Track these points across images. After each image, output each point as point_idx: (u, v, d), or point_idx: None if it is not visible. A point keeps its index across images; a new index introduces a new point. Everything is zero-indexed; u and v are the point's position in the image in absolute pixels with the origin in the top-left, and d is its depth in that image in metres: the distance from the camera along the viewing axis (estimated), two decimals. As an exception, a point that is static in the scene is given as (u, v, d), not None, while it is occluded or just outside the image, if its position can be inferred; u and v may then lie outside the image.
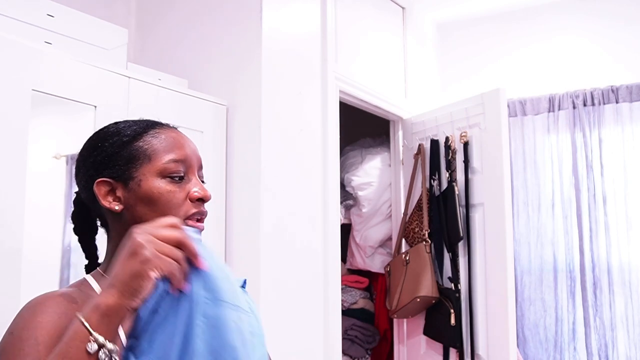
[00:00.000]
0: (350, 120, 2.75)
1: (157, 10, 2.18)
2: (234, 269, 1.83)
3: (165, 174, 0.77)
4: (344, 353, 2.61)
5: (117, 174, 0.77)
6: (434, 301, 2.39)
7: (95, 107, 1.45)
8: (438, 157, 2.51)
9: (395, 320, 2.75)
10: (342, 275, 2.78)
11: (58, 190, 1.45)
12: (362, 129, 3.12)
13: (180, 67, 2.01)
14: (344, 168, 2.87)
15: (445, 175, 2.45)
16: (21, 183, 1.25)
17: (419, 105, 2.86)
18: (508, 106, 2.85)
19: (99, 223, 0.86)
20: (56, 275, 1.44)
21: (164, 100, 1.67)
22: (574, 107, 2.86)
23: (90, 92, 1.44)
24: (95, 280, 0.81)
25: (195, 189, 0.79)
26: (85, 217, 0.86)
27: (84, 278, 0.83)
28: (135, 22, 2.21)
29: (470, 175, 2.36)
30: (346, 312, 2.79)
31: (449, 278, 2.39)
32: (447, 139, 2.44)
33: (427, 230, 2.46)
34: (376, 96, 2.50)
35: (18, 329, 0.69)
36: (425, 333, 2.49)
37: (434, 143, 2.53)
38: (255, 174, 1.80)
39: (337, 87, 2.19)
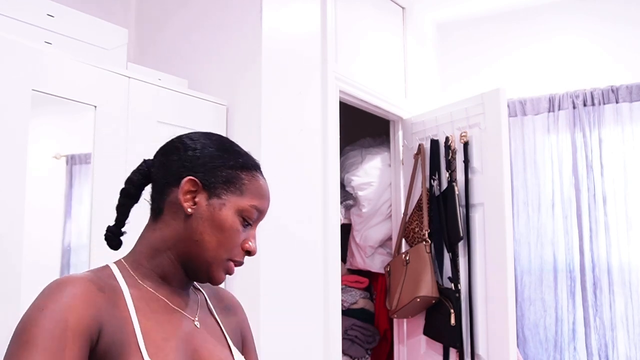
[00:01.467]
0: (350, 120, 2.75)
1: (157, 10, 2.18)
2: (234, 269, 1.83)
3: (244, 214, 0.81)
4: (344, 353, 2.61)
5: (208, 184, 0.80)
6: (434, 301, 2.38)
7: (95, 107, 1.45)
8: (438, 157, 2.51)
9: (395, 320, 2.75)
10: (342, 275, 2.78)
11: (58, 191, 1.45)
12: (362, 129, 3.12)
13: (180, 67, 2.01)
14: (344, 168, 2.87)
15: (445, 175, 2.45)
16: (21, 183, 1.25)
17: (419, 105, 2.86)
18: (508, 106, 2.84)
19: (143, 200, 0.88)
20: (56, 275, 1.44)
21: (164, 100, 1.67)
22: (574, 107, 2.86)
23: (90, 92, 1.44)
24: (120, 272, 0.81)
25: (251, 242, 0.84)
26: (139, 186, 0.87)
27: (108, 266, 0.83)
28: (135, 22, 2.21)
29: (470, 175, 2.36)
30: (346, 312, 2.79)
31: (449, 278, 2.39)
32: (447, 139, 2.44)
33: (427, 230, 2.46)
34: (376, 96, 2.50)
35: (51, 307, 0.68)
36: (425, 333, 2.49)
37: (434, 143, 2.53)
38: (255, 174, 1.79)
39: (337, 87, 2.18)
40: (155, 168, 0.86)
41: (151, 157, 0.89)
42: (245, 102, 1.86)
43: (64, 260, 1.45)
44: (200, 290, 0.93)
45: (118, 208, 0.89)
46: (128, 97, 1.54)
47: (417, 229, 2.53)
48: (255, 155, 1.83)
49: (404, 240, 2.67)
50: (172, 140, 0.88)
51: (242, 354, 0.91)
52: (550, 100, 2.92)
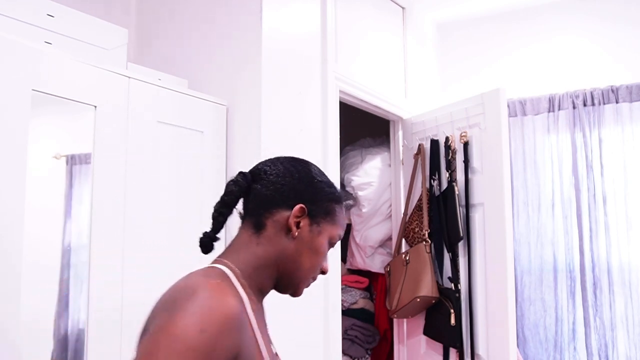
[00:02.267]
0: (350, 120, 2.75)
1: (157, 10, 2.18)
2: (234, 269, 1.83)
3: (331, 240, 0.94)
4: (344, 353, 2.61)
5: (313, 212, 0.91)
6: (434, 301, 2.38)
7: (95, 107, 1.45)
8: (438, 157, 2.51)
9: (395, 320, 2.75)
10: (342, 275, 2.78)
11: (58, 191, 1.45)
12: (362, 129, 3.12)
13: (180, 67, 2.01)
14: (344, 168, 2.87)
15: (445, 175, 2.45)
16: (21, 183, 1.25)
17: (419, 105, 2.86)
18: (508, 106, 2.85)
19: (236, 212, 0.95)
20: (56, 275, 1.44)
21: (164, 100, 1.67)
22: (574, 107, 2.86)
23: (90, 92, 1.44)
24: (239, 282, 0.86)
25: (327, 265, 0.96)
26: (237, 198, 0.93)
27: (225, 273, 0.86)
28: (135, 22, 2.21)
29: (470, 175, 2.36)
30: (346, 312, 2.79)
31: (449, 278, 2.39)
32: (447, 139, 2.44)
33: (427, 230, 2.46)
34: (376, 96, 2.50)
35: (209, 332, 0.69)
36: (425, 333, 2.49)
37: (434, 143, 2.53)
38: (255, 174, 1.79)
39: (337, 87, 2.18)
40: (261, 186, 0.92)
41: (246, 170, 0.95)
42: (245, 102, 1.86)
43: (64, 260, 1.45)
44: None
45: (216, 217, 0.95)
46: (128, 97, 1.54)
47: (417, 229, 2.53)
48: (255, 155, 1.84)
49: (404, 240, 2.67)
50: (284, 164, 0.94)
51: None
52: (550, 100, 2.92)
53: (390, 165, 2.86)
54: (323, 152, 2.10)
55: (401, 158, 2.80)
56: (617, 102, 2.76)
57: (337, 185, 1.00)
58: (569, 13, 3.00)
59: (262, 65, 1.82)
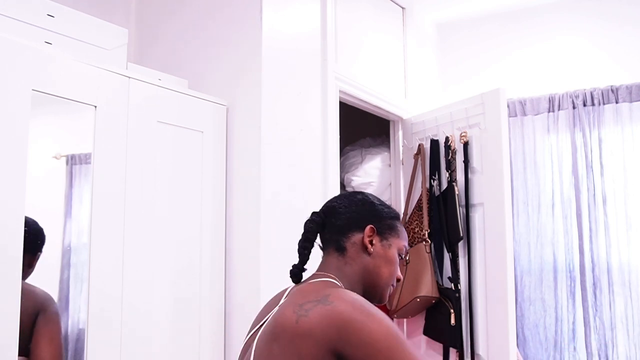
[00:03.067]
0: (350, 120, 2.75)
1: (157, 10, 2.18)
2: (234, 269, 1.83)
3: (400, 252, 1.11)
4: (344, 353, 2.61)
5: (381, 230, 1.08)
6: (434, 301, 2.38)
7: (95, 107, 1.45)
8: (438, 157, 2.51)
9: (395, 320, 2.75)
10: (342, 275, 2.78)
11: (58, 191, 1.45)
12: (362, 129, 3.12)
13: (180, 67, 2.01)
14: (344, 168, 2.87)
15: (445, 175, 2.45)
16: (21, 183, 1.25)
17: (419, 106, 2.86)
18: (508, 106, 2.85)
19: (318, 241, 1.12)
20: (56, 275, 1.44)
21: (164, 100, 1.67)
22: (574, 107, 2.86)
23: (90, 92, 1.44)
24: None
25: (399, 271, 1.12)
26: (316, 233, 1.11)
27: (339, 287, 1.01)
28: (135, 22, 2.21)
29: (470, 175, 2.36)
30: (346, 312, 2.78)
31: (449, 278, 2.39)
32: (447, 139, 2.44)
33: (427, 230, 2.46)
34: (376, 96, 2.50)
35: (399, 333, 0.91)
36: (425, 333, 2.49)
37: (434, 143, 2.53)
38: (255, 174, 1.80)
39: (337, 87, 2.18)
40: (335, 218, 1.09)
41: (318, 210, 1.13)
42: (245, 102, 1.86)
43: (64, 260, 1.45)
44: None
45: (302, 251, 1.11)
46: (128, 97, 1.54)
47: (417, 229, 2.53)
48: (255, 155, 1.85)
49: (404, 240, 2.67)
50: (347, 197, 1.12)
51: None
52: (550, 100, 2.92)
53: (390, 165, 2.86)
54: (323, 152, 2.10)
55: (401, 158, 2.80)
56: (617, 102, 2.76)
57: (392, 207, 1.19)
58: (568, 13, 3.00)
59: (262, 65, 1.82)
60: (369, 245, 1.06)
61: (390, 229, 1.10)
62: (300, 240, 1.11)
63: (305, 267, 1.11)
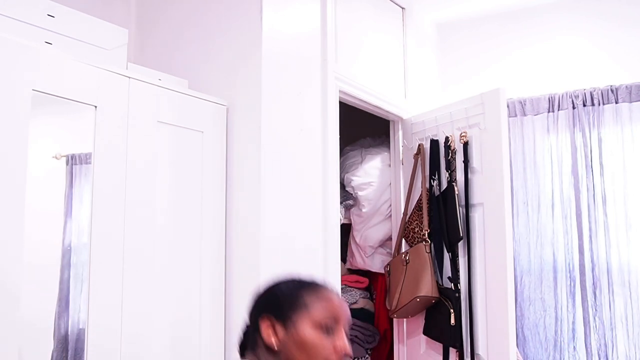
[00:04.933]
0: (350, 120, 2.75)
1: (157, 10, 2.18)
2: (234, 269, 1.83)
3: (318, 325, 0.93)
4: (344, 353, 2.61)
5: (280, 315, 0.93)
6: (433, 301, 2.39)
7: (95, 107, 1.45)
8: (438, 157, 2.51)
9: (395, 320, 2.75)
10: (342, 275, 2.78)
11: (58, 191, 1.45)
12: (362, 129, 3.12)
13: (180, 67, 2.01)
14: (344, 168, 2.87)
15: (445, 175, 2.45)
16: (21, 183, 1.25)
17: (419, 106, 2.86)
18: (508, 106, 2.85)
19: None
20: (56, 275, 1.44)
21: (164, 100, 1.67)
22: (574, 107, 2.86)
23: (90, 92, 1.44)
24: None
25: (341, 344, 0.96)
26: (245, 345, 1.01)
27: None
28: (135, 22, 2.21)
29: (470, 175, 2.36)
30: (346, 312, 2.78)
31: (448, 278, 2.39)
32: (447, 139, 2.44)
33: (427, 230, 2.46)
34: (376, 96, 2.50)
35: None
36: (425, 333, 2.49)
37: (434, 143, 2.53)
38: (255, 174, 1.80)
39: (337, 87, 2.19)
40: (249, 321, 1.00)
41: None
42: (245, 102, 1.86)
43: (64, 260, 1.45)
44: None
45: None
46: (128, 97, 1.54)
47: (417, 229, 2.53)
48: (255, 155, 1.85)
49: (403, 240, 2.67)
50: (256, 294, 1.03)
51: None
52: (549, 100, 2.92)
53: (390, 165, 2.86)
54: (323, 152, 2.10)
55: (401, 158, 2.80)
56: (616, 102, 2.76)
57: (312, 279, 1.03)
58: (568, 13, 3.00)
59: (262, 65, 1.82)
60: (271, 342, 0.92)
61: (292, 307, 0.93)
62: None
63: None
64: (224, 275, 1.83)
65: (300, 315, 0.92)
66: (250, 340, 0.99)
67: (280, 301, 0.95)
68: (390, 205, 2.83)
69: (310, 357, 0.90)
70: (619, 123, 2.76)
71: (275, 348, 0.91)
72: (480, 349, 2.27)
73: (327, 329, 0.93)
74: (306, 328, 0.91)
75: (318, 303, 0.94)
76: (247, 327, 1.01)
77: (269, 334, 0.92)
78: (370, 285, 3.00)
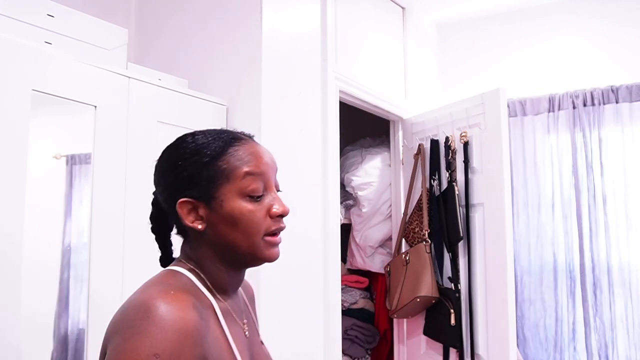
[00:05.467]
0: (350, 120, 2.75)
1: (157, 10, 2.18)
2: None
3: (245, 193, 0.79)
4: (344, 353, 2.61)
5: (198, 194, 0.79)
6: (434, 301, 2.38)
7: (95, 107, 1.45)
8: (438, 157, 2.51)
9: (395, 320, 2.75)
10: (342, 275, 2.78)
11: (58, 191, 1.45)
12: (362, 129, 3.12)
13: (180, 67, 2.01)
14: (344, 168, 2.87)
15: (445, 175, 2.45)
16: (21, 183, 1.25)
17: (419, 106, 2.86)
18: (508, 106, 2.85)
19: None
20: (56, 275, 1.44)
21: (164, 100, 1.67)
22: (574, 107, 2.86)
23: (90, 92, 1.44)
24: (203, 285, 0.81)
25: (275, 207, 0.82)
26: (161, 218, 0.87)
27: (186, 275, 0.81)
28: (135, 22, 2.21)
29: (470, 175, 2.36)
30: (346, 312, 2.79)
31: (449, 278, 2.39)
32: (447, 139, 2.44)
33: (427, 230, 2.46)
34: (376, 96, 2.50)
35: (166, 356, 0.66)
36: (425, 333, 2.49)
37: (434, 143, 2.53)
38: (255, 174, 1.79)
39: (337, 87, 2.18)
40: (161, 203, 0.85)
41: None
42: (245, 102, 1.86)
43: (64, 260, 1.45)
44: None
45: (157, 242, 0.90)
46: (128, 97, 1.54)
47: (417, 229, 2.53)
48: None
49: (404, 240, 2.67)
50: (155, 171, 0.85)
51: None
52: (550, 100, 2.92)
53: (390, 165, 2.86)
54: (323, 152, 2.10)
55: (401, 158, 2.80)
56: (617, 102, 2.76)
57: (223, 132, 0.85)
58: (569, 13, 3.00)
59: (262, 65, 1.82)
60: (193, 225, 0.79)
61: (210, 180, 0.79)
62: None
63: (172, 256, 0.90)
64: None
65: (222, 189, 0.78)
66: (163, 227, 0.88)
67: (196, 178, 0.78)
68: (390, 205, 2.83)
69: (242, 230, 0.78)
70: (620, 123, 2.76)
71: (201, 229, 0.79)
72: (481, 349, 2.26)
73: (256, 195, 0.80)
74: (231, 201, 0.78)
75: (237, 169, 0.79)
76: (157, 208, 0.87)
77: (191, 220, 0.79)
78: (370, 285, 3.00)
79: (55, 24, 1.51)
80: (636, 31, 2.82)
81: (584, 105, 2.84)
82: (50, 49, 1.40)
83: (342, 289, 2.83)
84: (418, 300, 2.35)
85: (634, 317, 2.65)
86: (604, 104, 2.79)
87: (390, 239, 2.85)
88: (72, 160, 1.47)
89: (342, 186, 2.83)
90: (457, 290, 2.34)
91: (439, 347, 2.45)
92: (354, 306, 2.88)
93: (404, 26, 2.86)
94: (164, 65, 2.03)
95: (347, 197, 2.88)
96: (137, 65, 1.78)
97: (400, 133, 2.81)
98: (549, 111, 2.93)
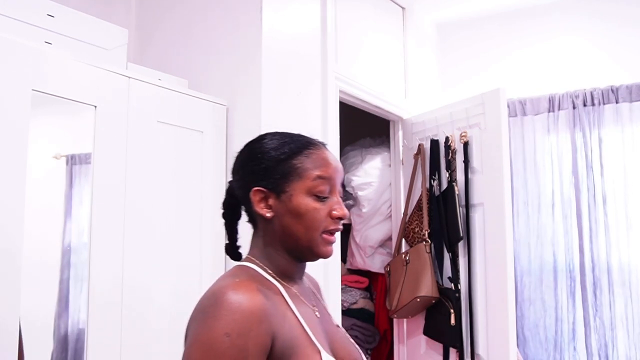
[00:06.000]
0: (350, 120, 2.75)
1: (157, 10, 2.18)
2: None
3: (312, 193, 0.89)
4: (344, 353, 2.61)
5: (271, 186, 0.89)
6: (434, 301, 2.38)
7: (95, 107, 1.45)
8: (438, 157, 2.51)
9: (395, 320, 2.75)
10: (342, 275, 2.78)
11: (58, 190, 1.45)
12: (362, 129, 3.12)
13: (180, 67, 2.01)
14: (344, 168, 2.86)
15: (445, 175, 2.45)
16: (21, 183, 1.25)
17: (419, 105, 2.86)
18: (508, 106, 2.84)
19: (243, 211, 0.96)
20: (56, 275, 1.44)
21: (164, 100, 1.67)
22: (574, 107, 2.86)
23: (90, 92, 1.44)
24: (267, 273, 0.89)
25: (336, 209, 0.91)
26: (233, 205, 0.97)
27: (251, 267, 0.90)
28: (135, 22, 2.21)
29: (470, 175, 2.36)
30: (346, 312, 2.79)
31: (449, 278, 2.39)
32: (447, 139, 2.44)
33: (427, 230, 2.46)
34: (376, 96, 2.50)
35: (235, 334, 0.74)
36: (425, 333, 2.49)
37: (434, 143, 2.53)
38: (255, 174, 1.79)
39: (337, 87, 2.19)
40: (236, 190, 0.95)
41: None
42: (245, 102, 1.86)
43: (64, 260, 1.45)
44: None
45: (226, 228, 0.99)
46: (128, 97, 1.54)
47: (417, 229, 2.53)
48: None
49: (404, 240, 2.67)
50: (235, 161, 0.96)
51: None
52: (550, 100, 2.92)
53: (390, 165, 2.86)
54: (323, 152, 2.10)
55: (401, 158, 2.80)
56: (617, 102, 2.76)
57: (300, 136, 0.95)
58: (569, 13, 3.00)
59: (262, 65, 1.82)
60: (262, 212, 0.89)
61: (284, 175, 0.88)
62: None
63: (238, 244, 1.00)
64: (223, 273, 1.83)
65: (293, 185, 0.88)
66: (235, 212, 0.97)
67: (270, 171, 0.89)
68: (390, 205, 2.83)
69: (305, 225, 0.88)
70: (620, 123, 2.76)
71: (269, 217, 0.89)
72: (481, 349, 2.26)
73: (322, 195, 0.89)
74: (299, 197, 0.88)
75: (310, 170, 0.89)
76: (231, 195, 0.97)
77: (262, 207, 0.89)
78: (370, 285, 3.00)
79: (55, 24, 1.51)
80: (636, 31, 2.82)
81: (584, 105, 2.84)
82: (50, 49, 1.40)
83: (342, 289, 2.83)
84: (418, 300, 2.35)
85: (634, 317, 2.65)
86: (604, 104, 2.79)
87: (390, 239, 2.85)
88: (72, 160, 1.47)
89: (342, 186, 2.83)
90: (457, 290, 2.34)
91: (439, 347, 2.45)
92: (354, 306, 2.88)
93: (404, 26, 2.86)
94: (164, 65, 2.03)
95: (347, 197, 2.88)
96: (137, 65, 1.78)
97: (400, 133, 2.81)
98: (549, 111, 2.93)
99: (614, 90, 2.77)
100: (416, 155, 2.65)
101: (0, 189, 1.21)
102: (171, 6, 2.13)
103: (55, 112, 1.44)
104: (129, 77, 1.55)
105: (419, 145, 2.63)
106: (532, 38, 3.08)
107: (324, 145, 0.95)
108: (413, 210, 2.61)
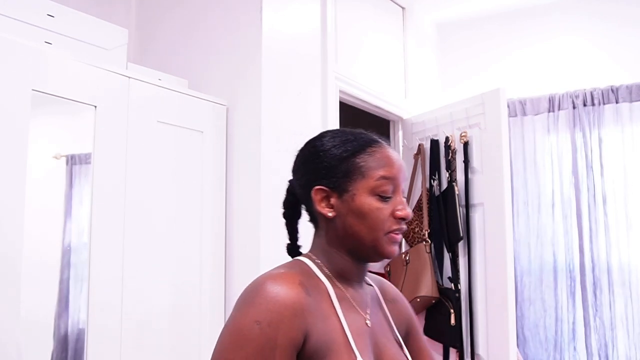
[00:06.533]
0: (350, 120, 2.75)
1: (157, 10, 2.18)
2: (234, 268, 1.83)
3: (375, 192, 0.86)
4: (344, 353, 2.61)
5: (333, 185, 0.86)
6: (434, 301, 2.38)
7: (95, 107, 1.45)
8: (438, 157, 2.51)
9: (395, 320, 2.75)
10: (342, 275, 2.78)
11: (58, 190, 1.45)
12: (362, 129, 3.12)
13: (180, 67, 2.01)
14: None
15: (445, 175, 2.45)
16: (21, 183, 1.25)
17: (419, 106, 2.86)
18: (508, 106, 2.84)
19: (303, 210, 0.95)
20: (56, 275, 1.44)
21: (164, 100, 1.67)
22: (574, 107, 2.86)
23: (90, 92, 1.44)
24: (320, 271, 0.88)
25: (400, 209, 0.87)
26: (294, 204, 0.95)
27: (305, 263, 0.88)
28: (135, 22, 2.21)
29: (470, 175, 2.36)
30: (346, 312, 2.78)
31: (449, 278, 2.39)
32: (447, 139, 2.44)
33: (427, 230, 2.46)
34: (376, 96, 2.50)
35: (265, 323, 0.73)
36: (425, 333, 2.49)
37: (434, 143, 2.53)
38: (255, 173, 1.80)
39: (337, 87, 2.19)
40: (296, 189, 0.94)
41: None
42: (245, 102, 1.86)
43: (64, 260, 1.45)
44: (372, 285, 0.98)
45: (287, 227, 0.97)
46: (128, 97, 1.54)
47: (417, 229, 2.53)
48: (255, 155, 1.84)
49: (404, 240, 2.67)
50: (296, 159, 0.95)
51: (406, 345, 0.96)
52: (550, 100, 2.92)
53: (390, 165, 2.85)
54: (323, 152, 2.10)
55: (401, 158, 2.80)
56: (617, 102, 2.76)
57: (362, 133, 0.95)
58: (569, 13, 3.00)
59: (262, 65, 1.82)
60: (324, 212, 0.87)
61: (347, 174, 0.86)
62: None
63: (298, 243, 0.98)
64: (224, 275, 1.83)
65: (356, 184, 0.86)
66: (295, 211, 0.96)
67: (333, 170, 0.87)
68: (391, 205, 2.83)
69: (368, 225, 0.85)
70: (620, 123, 2.76)
71: (331, 216, 0.86)
72: (481, 349, 2.26)
73: (386, 195, 0.86)
74: (362, 196, 0.85)
75: (374, 170, 0.86)
76: (292, 194, 0.96)
77: (323, 207, 0.87)
78: (370, 285, 3.00)
79: (55, 24, 1.51)
80: (636, 31, 2.82)
81: (584, 105, 2.84)
82: (50, 49, 1.40)
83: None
84: (418, 300, 2.35)
85: (634, 317, 2.65)
86: (604, 104, 2.79)
87: (390, 239, 2.85)
88: (72, 160, 1.47)
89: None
90: (457, 290, 2.34)
91: (439, 347, 2.45)
92: (354, 306, 2.88)
93: (404, 26, 2.86)
94: (164, 65, 2.03)
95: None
96: (137, 65, 1.78)
97: (400, 133, 2.81)
98: (549, 111, 2.93)
99: (614, 90, 2.77)
100: (416, 155, 2.65)
101: (0, 189, 1.21)
102: (171, 6, 2.13)
103: (55, 112, 1.44)
104: (129, 77, 1.55)
105: (419, 145, 2.63)
106: (532, 38, 3.08)
107: (386, 142, 0.93)
108: (413, 210, 2.61)
